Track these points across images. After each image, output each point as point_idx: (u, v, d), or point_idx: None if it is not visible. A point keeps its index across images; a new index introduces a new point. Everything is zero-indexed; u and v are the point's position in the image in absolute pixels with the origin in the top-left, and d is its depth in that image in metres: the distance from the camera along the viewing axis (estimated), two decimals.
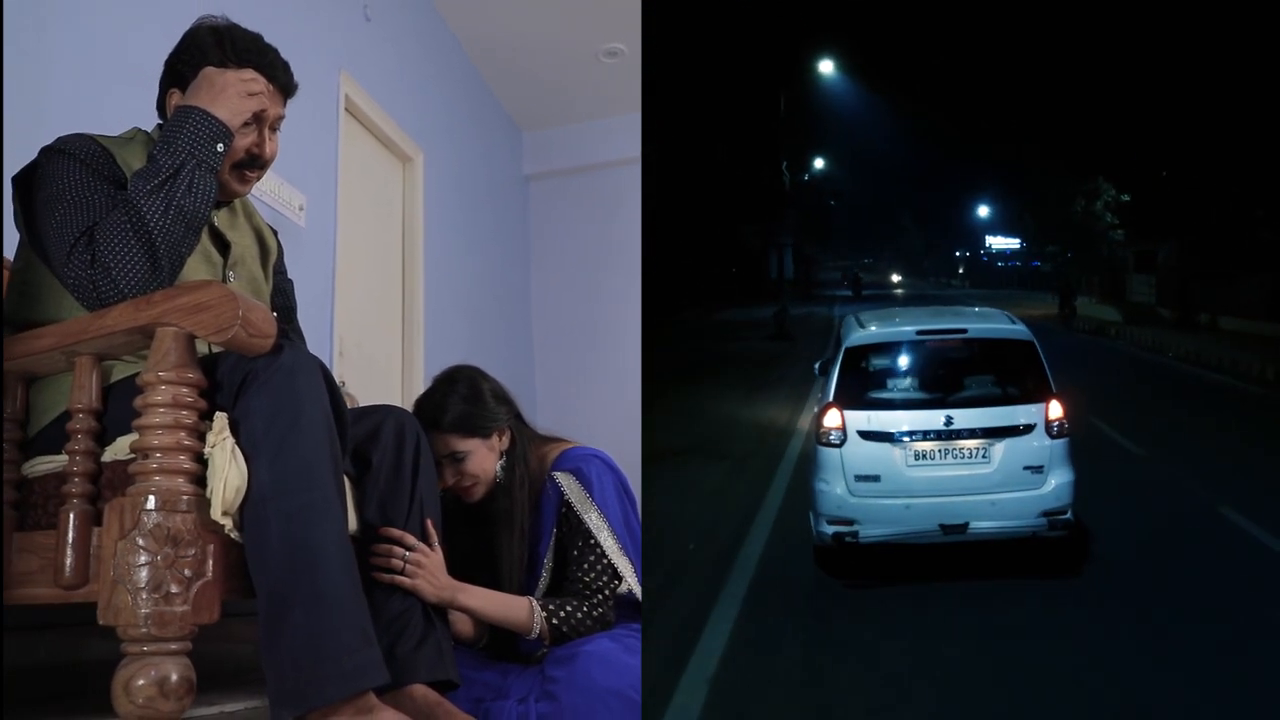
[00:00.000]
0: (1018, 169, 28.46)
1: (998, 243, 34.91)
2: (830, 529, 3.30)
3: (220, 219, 2.08)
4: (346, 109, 5.09)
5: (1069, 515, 3.30)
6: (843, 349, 3.53)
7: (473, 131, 7.02)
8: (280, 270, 2.32)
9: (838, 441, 3.30)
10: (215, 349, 1.72)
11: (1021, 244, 33.25)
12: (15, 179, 1.88)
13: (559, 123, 7.92)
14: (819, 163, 29.92)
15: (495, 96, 7.47)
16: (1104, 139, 23.53)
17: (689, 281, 17.24)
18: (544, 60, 7.05)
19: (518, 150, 8.01)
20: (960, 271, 35.91)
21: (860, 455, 3.28)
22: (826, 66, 23.02)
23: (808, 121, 26.43)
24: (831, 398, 3.39)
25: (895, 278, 34.20)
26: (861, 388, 3.46)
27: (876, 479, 3.26)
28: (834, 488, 3.29)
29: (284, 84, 2.05)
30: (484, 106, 7.28)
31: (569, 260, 7.86)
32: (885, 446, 3.27)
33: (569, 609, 2.25)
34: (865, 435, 3.30)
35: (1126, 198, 24.31)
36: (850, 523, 3.27)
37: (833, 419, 3.33)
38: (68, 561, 1.58)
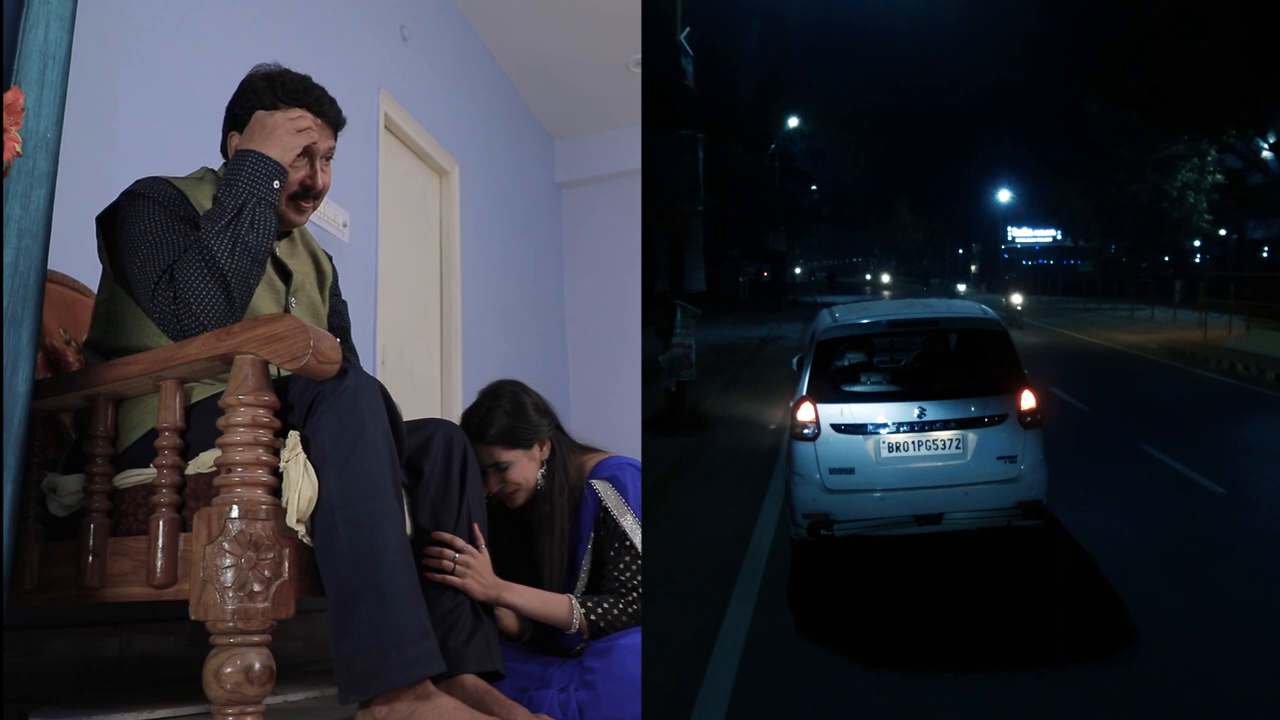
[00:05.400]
0: (1076, 123, 19.87)
1: (1023, 235, 27.38)
2: (806, 522, 3.30)
3: (281, 248, 2.26)
4: (386, 126, 5.30)
5: (1043, 505, 3.30)
6: (814, 343, 3.52)
7: (506, 142, 7.22)
8: (335, 293, 2.50)
9: (811, 435, 3.31)
10: (284, 372, 1.90)
11: (1058, 236, 26.07)
12: (99, 219, 2.08)
13: (590, 131, 8.11)
14: (792, 120, 22.34)
15: (528, 107, 7.67)
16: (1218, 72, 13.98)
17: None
18: (575, 71, 7.24)
19: (550, 158, 8.20)
20: (973, 270, 28.70)
21: (834, 448, 3.28)
22: None
23: None
24: (805, 392, 3.39)
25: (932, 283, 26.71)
26: (835, 381, 3.47)
27: (851, 471, 3.25)
28: (808, 481, 3.30)
29: (332, 118, 2.23)
30: (517, 117, 7.48)
31: (601, 265, 8.04)
32: (858, 439, 3.27)
33: (605, 606, 2.41)
34: (838, 428, 3.29)
35: (1218, 176, 17.15)
36: (825, 516, 3.26)
37: (806, 413, 3.33)
38: (159, 564, 1.77)
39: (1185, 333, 12.20)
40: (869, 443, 3.27)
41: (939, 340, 3.79)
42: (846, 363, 3.61)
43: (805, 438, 3.33)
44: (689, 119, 12.53)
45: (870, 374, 3.59)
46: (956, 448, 3.26)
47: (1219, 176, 18.09)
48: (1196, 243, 19.89)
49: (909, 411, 3.28)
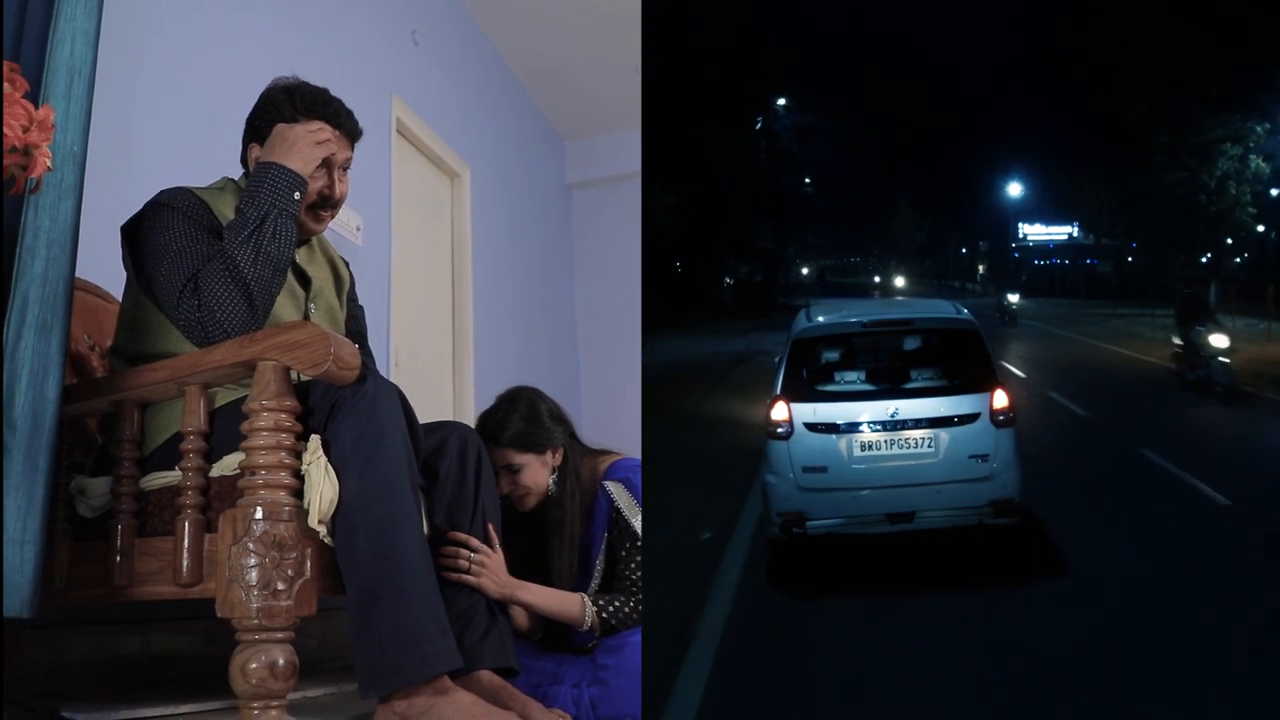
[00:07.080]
0: (1097, 106, 17.35)
1: (1035, 233, 24.88)
2: (780, 520, 3.31)
3: (300, 256, 2.32)
4: (398, 131, 5.36)
5: (1016, 503, 3.29)
6: (790, 341, 3.52)
7: (516, 144, 7.27)
8: (352, 298, 2.56)
9: (785, 434, 3.31)
10: (304, 377, 1.96)
11: (1075, 233, 23.70)
12: (124, 228, 2.14)
13: (599, 132, 8.16)
14: (780, 101, 19.32)
15: (538, 109, 7.72)
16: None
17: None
18: (583, 72, 7.29)
19: (560, 160, 8.25)
20: (981, 271, 26.55)
21: (807, 447, 3.28)
22: None
23: None
24: (779, 391, 3.39)
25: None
26: (809, 380, 3.47)
27: (823, 470, 3.26)
28: (782, 480, 3.30)
29: (349, 130, 2.29)
30: (527, 119, 7.53)
31: (611, 265, 8.08)
32: (831, 438, 3.27)
33: (617, 604, 2.46)
34: (812, 427, 3.29)
35: (1264, 165, 14.88)
36: (799, 514, 3.27)
37: (780, 412, 3.33)
38: (184, 563, 1.83)
39: (1258, 348, 9.27)
40: (842, 442, 3.28)
41: (915, 339, 3.81)
42: (824, 362, 3.64)
43: (779, 437, 3.34)
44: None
45: (844, 373, 3.61)
46: (928, 447, 3.28)
47: (1264, 166, 16.00)
48: (1229, 240, 17.43)
49: (882, 411, 3.28)
